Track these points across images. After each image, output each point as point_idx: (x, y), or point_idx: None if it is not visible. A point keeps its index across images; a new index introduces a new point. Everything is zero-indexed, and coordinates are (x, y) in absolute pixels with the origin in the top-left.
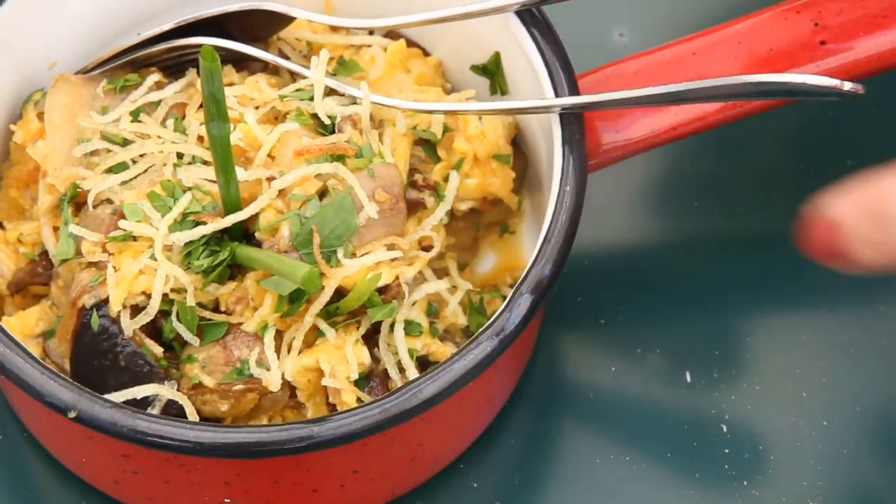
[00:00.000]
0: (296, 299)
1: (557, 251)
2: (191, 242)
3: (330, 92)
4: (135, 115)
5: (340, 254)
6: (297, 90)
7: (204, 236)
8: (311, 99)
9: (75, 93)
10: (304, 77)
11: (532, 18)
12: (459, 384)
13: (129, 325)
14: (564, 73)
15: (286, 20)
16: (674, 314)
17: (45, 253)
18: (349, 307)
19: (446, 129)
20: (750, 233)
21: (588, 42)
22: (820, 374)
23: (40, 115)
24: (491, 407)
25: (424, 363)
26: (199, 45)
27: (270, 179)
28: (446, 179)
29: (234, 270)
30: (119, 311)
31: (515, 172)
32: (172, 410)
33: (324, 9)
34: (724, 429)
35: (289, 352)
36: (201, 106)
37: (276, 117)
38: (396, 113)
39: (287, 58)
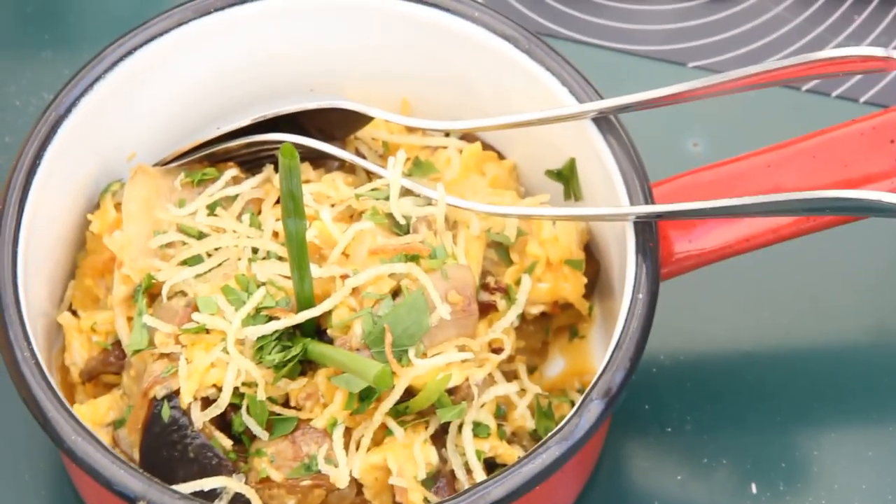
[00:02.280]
0: (366, 397)
1: (628, 359)
2: (263, 337)
3: (405, 192)
4: (211, 209)
5: (412, 353)
6: (373, 189)
7: (276, 331)
8: (387, 198)
9: (153, 185)
10: (380, 176)
11: (609, 126)
12: (527, 488)
13: (200, 417)
14: (639, 182)
15: (364, 120)
16: (741, 425)
17: (117, 342)
18: (419, 407)
19: (520, 233)
20: (819, 346)
21: (662, 150)
22: (886, 490)
23: (118, 206)
24: None
25: (491, 465)
26: (277, 142)
27: (344, 277)
28: (518, 283)
29: (305, 366)
30: (190, 403)
31: (587, 278)
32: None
33: (401, 109)
34: None
35: (357, 449)
36: (277, 201)
37: (352, 215)
38: (471, 215)
39: (363, 157)
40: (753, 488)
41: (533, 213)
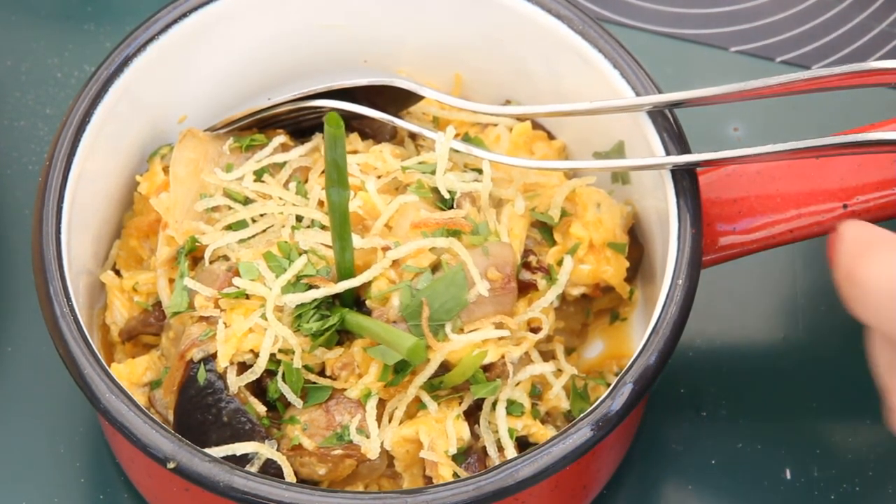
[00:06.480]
0: (401, 370)
1: (664, 343)
2: (302, 305)
3: (451, 168)
4: (258, 175)
5: (448, 328)
6: (420, 163)
7: (315, 300)
8: (433, 172)
9: (202, 148)
10: (428, 146)
11: (662, 118)
12: (556, 467)
13: (235, 382)
14: (688, 172)
15: (415, 98)
16: (776, 411)
17: (158, 303)
18: (453, 382)
19: (564, 214)
20: (855, 333)
21: (704, 133)
22: None
23: (166, 169)
24: (587, 493)
25: (524, 444)
26: (326, 108)
27: (385, 249)
28: (560, 263)
29: (342, 336)
30: (226, 368)
31: (630, 262)
32: (270, 470)
33: (453, 84)
34: None
35: (390, 421)
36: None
37: (397, 188)
38: (516, 194)
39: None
40: (788, 474)
41: (578, 166)
